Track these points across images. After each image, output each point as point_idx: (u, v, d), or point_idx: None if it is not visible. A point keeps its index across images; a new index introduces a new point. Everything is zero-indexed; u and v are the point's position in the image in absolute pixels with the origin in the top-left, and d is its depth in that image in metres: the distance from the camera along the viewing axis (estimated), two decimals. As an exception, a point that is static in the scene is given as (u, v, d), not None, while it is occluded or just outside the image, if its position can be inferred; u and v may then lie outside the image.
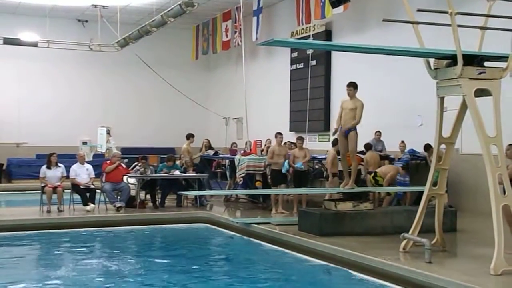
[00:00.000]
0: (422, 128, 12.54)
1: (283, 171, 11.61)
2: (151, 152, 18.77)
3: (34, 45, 19.31)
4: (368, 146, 12.45)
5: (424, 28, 7.32)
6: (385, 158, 12.88)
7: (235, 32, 18.34)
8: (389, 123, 13.42)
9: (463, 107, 7.40)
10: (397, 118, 13.53)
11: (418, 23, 7.24)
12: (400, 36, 10.44)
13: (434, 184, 7.75)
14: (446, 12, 6.89)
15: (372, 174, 11.62)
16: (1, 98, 20.13)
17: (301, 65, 17.06)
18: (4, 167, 19.15)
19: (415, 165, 12.11)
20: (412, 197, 11.50)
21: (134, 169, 13.12)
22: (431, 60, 7.46)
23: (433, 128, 7.75)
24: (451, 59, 7.13)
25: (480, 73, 7.01)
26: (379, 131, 13.25)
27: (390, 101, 13.96)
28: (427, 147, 11.30)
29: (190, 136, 14.38)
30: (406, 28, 8.00)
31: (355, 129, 9.56)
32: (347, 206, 9.24)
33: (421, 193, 8.01)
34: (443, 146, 7.79)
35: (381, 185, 11.38)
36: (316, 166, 14.03)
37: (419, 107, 12.77)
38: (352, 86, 9.72)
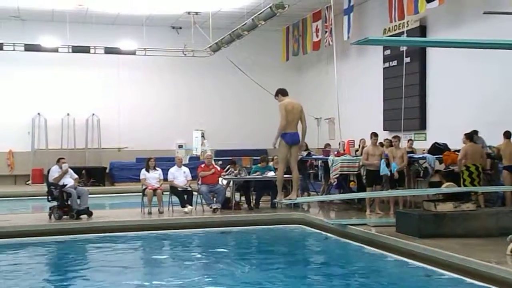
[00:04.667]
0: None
1: (381, 173, 11.30)
2: (244, 154, 19.06)
3: (133, 53, 20.25)
4: (469, 136, 11.24)
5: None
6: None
7: (326, 32, 18.21)
8: (492, 120, 12.65)
9: None
10: (502, 115, 12.71)
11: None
12: (501, 28, 9.93)
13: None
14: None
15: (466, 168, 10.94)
16: (104, 105, 21.16)
17: (394, 63, 16.63)
18: (107, 171, 20.21)
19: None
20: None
21: (228, 172, 13.38)
22: (538, 52, 7.03)
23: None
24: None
25: None
26: (475, 130, 12.45)
27: (493, 96, 13.16)
28: None
29: None
30: (507, 18, 7.61)
31: (281, 136, 8.93)
32: (447, 207, 8.92)
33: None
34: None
35: (474, 179, 10.79)
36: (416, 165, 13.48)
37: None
38: (275, 94, 9.18)
